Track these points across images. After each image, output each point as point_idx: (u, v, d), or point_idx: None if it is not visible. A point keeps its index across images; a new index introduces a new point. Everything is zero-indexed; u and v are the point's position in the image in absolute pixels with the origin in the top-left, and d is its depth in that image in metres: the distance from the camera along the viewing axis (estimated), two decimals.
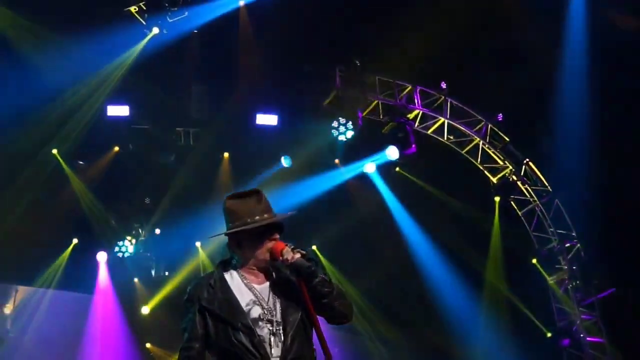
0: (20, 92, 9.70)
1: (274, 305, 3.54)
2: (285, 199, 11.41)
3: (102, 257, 12.18)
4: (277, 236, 3.55)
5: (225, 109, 11.16)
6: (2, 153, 10.65)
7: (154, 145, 11.41)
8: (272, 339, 3.45)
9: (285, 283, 3.59)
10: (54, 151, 11.24)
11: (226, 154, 11.87)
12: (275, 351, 3.43)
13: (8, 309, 11.60)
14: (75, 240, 12.09)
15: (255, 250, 3.57)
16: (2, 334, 11.27)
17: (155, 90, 10.92)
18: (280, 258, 3.50)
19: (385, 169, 12.17)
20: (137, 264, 12.59)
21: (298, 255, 3.49)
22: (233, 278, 3.62)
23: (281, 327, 3.49)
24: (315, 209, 11.53)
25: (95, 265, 12.21)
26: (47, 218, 11.42)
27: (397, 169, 12.31)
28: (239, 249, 3.62)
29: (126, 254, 12.32)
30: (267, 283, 3.61)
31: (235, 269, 3.64)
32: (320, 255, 12.39)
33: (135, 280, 12.62)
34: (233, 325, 3.46)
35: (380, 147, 11.78)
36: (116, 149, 11.51)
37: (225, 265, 3.69)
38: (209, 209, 11.42)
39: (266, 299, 3.54)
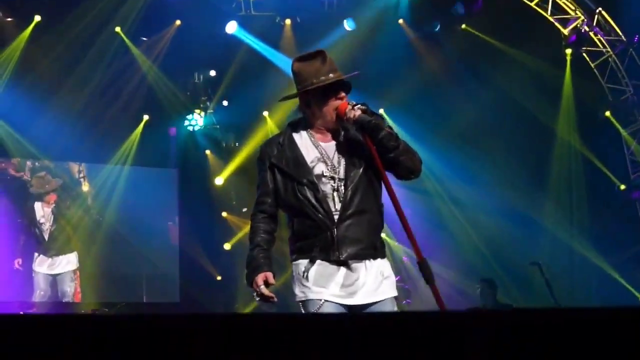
0: None
1: (338, 163, 3.75)
2: (350, 62, 11.27)
3: (173, 131, 12.42)
4: (343, 94, 3.73)
5: None
6: (66, 35, 10.77)
7: (215, 16, 11.30)
8: (334, 194, 3.69)
9: (353, 142, 3.77)
10: (117, 29, 11.29)
11: (288, 20, 11.67)
12: (338, 206, 3.67)
13: (86, 187, 11.98)
14: (145, 117, 12.30)
15: (322, 110, 3.75)
16: (84, 212, 11.73)
17: None
18: (345, 117, 3.68)
19: (450, 27, 11.85)
20: (208, 136, 12.81)
21: (359, 112, 3.65)
22: (302, 137, 3.84)
23: (342, 183, 3.70)
24: (381, 72, 11.39)
25: (167, 139, 12.48)
26: (116, 96, 11.59)
27: (463, 25, 11.95)
28: (308, 109, 3.82)
29: (196, 127, 12.55)
30: (334, 142, 3.81)
31: (305, 128, 3.85)
32: (388, 119, 12.35)
33: (207, 152, 12.87)
34: (299, 181, 3.70)
35: (446, 5, 11.45)
36: (178, 22, 11.45)
37: (295, 125, 3.90)
38: (273, 77, 11.41)
39: (331, 157, 3.76)
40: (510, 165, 11.97)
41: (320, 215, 3.64)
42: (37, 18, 11.01)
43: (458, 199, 12.26)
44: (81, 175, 11.94)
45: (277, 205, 3.82)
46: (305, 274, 3.66)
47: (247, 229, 11.23)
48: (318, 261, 3.66)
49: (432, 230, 11.64)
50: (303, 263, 3.70)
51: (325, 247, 3.63)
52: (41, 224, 10.81)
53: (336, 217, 3.64)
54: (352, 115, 3.64)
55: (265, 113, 12.25)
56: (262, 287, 3.63)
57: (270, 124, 12.17)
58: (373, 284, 3.69)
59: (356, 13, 11.31)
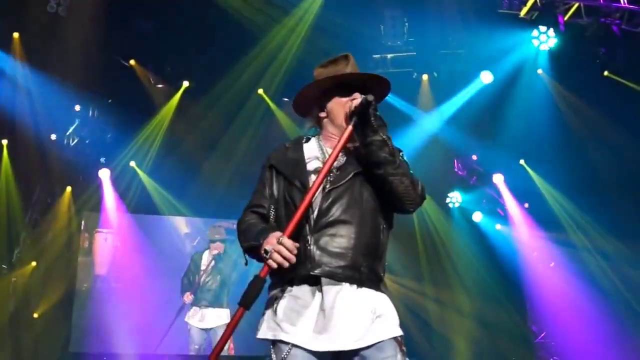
0: (225, 42, 10.18)
1: (338, 168, 3.24)
2: (490, 116, 11.23)
3: None
4: (357, 94, 3.23)
5: (419, 32, 11.02)
6: (214, 99, 11.34)
7: None
8: (322, 198, 3.16)
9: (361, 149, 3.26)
10: (260, 91, 11.76)
11: (425, 76, 11.75)
12: (317, 211, 3.15)
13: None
14: None
15: (333, 111, 3.34)
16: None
17: (348, 21, 10.96)
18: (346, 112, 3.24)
19: (593, 75, 11.53)
20: None
21: (358, 101, 3.17)
22: (310, 143, 3.43)
23: (332, 187, 3.18)
24: (523, 124, 11.24)
25: None
26: (262, 155, 11.99)
27: (606, 72, 11.61)
28: (322, 112, 3.41)
29: None
30: (346, 147, 3.28)
31: (317, 137, 3.45)
32: (530, 171, 12.13)
33: None
34: (290, 181, 3.24)
35: (586, 53, 11.20)
36: None
37: (308, 138, 3.48)
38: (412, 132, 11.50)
39: (331, 159, 3.18)
40: None
41: (302, 221, 3.10)
42: (186, 84, 11.66)
43: (606, 252, 11.73)
44: None
45: (270, 210, 3.30)
46: (275, 306, 3.13)
47: None
48: (290, 289, 3.12)
49: (579, 284, 11.22)
50: (274, 293, 3.18)
51: (299, 260, 3.02)
52: (201, 271, 11.00)
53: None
54: (351, 106, 3.20)
55: None
56: (284, 237, 3.00)
57: None
58: (358, 323, 3.03)
59: (493, 65, 11.23)
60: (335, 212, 3.13)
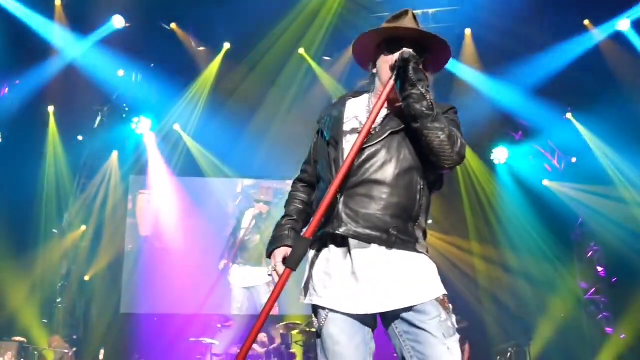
0: (266, 2, 10.12)
1: (376, 124, 3.08)
2: (534, 69, 11.03)
3: None
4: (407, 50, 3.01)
5: None
6: (256, 60, 11.32)
7: None
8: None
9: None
10: (301, 51, 11.70)
11: (468, 30, 11.54)
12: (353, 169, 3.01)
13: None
14: None
15: (381, 66, 3.16)
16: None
17: None
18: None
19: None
20: None
21: (398, 55, 3.00)
22: (359, 99, 3.27)
23: (367, 145, 3.02)
24: (568, 77, 11.01)
25: None
26: (305, 114, 11.97)
27: None
28: (375, 68, 3.22)
29: None
30: (394, 106, 3.13)
31: (368, 92, 3.26)
32: (574, 120, 11.91)
33: None
34: (327, 140, 3.15)
35: (635, 0, 10.88)
36: None
37: (360, 91, 3.31)
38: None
39: (373, 118, 3.02)
40: None
41: (332, 179, 3.00)
42: (227, 46, 11.64)
43: None
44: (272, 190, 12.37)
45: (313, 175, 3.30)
46: (311, 269, 3.11)
47: None
48: (323, 251, 3.06)
49: (629, 240, 11.04)
50: (312, 255, 3.11)
51: (328, 218, 2.98)
52: (242, 229, 11.02)
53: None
54: (392, 60, 3.02)
55: None
56: (279, 264, 3.08)
57: None
58: (390, 285, 2.95)
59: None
60: (367, 171, 3.01)
